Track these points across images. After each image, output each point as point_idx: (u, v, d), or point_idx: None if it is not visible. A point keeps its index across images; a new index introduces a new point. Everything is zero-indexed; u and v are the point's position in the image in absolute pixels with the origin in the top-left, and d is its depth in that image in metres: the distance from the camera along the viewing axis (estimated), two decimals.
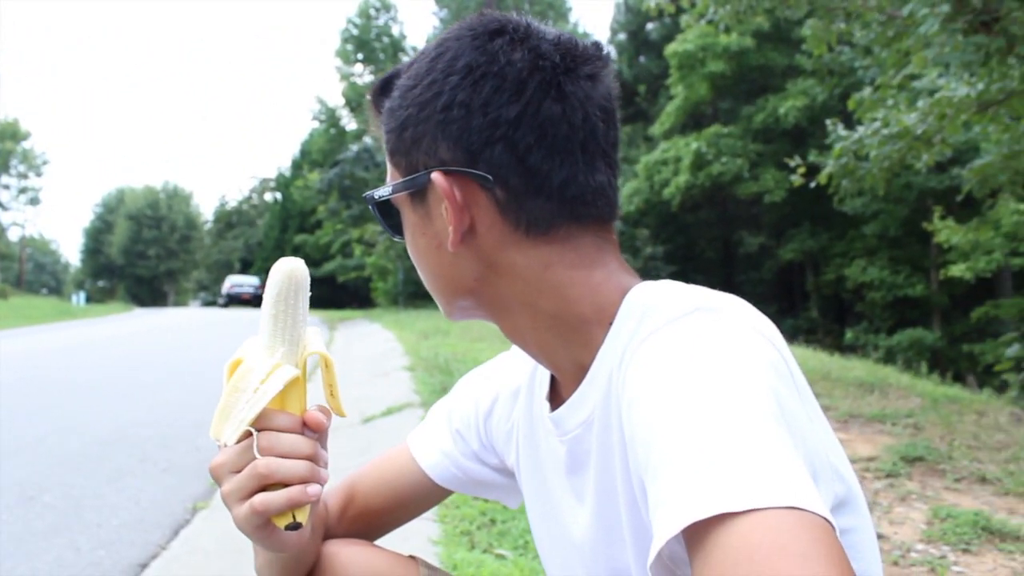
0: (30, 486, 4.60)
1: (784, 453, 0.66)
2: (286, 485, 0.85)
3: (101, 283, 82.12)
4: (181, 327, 23.00)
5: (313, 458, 0.87)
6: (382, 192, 0.99)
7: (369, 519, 1.25)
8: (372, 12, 48.76)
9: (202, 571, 3.28)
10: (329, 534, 1.21)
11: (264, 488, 0.85)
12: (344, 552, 1.15)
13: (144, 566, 3.39)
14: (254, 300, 44.93)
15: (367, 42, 48.20)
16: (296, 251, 46.02)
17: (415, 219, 0.98)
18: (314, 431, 0.89)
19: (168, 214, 77.96)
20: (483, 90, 0.89)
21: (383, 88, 1.01)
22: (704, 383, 0.73)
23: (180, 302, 79.17)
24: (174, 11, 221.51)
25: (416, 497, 1.26)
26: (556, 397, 1.07)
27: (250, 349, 0.90)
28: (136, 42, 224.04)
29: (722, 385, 0.72)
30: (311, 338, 0.93)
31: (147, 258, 76.34)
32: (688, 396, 0.72)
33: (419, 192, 0.95)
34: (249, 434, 0.85)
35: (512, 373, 1.21)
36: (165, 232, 77.19)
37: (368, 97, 1.04)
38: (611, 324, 0.94)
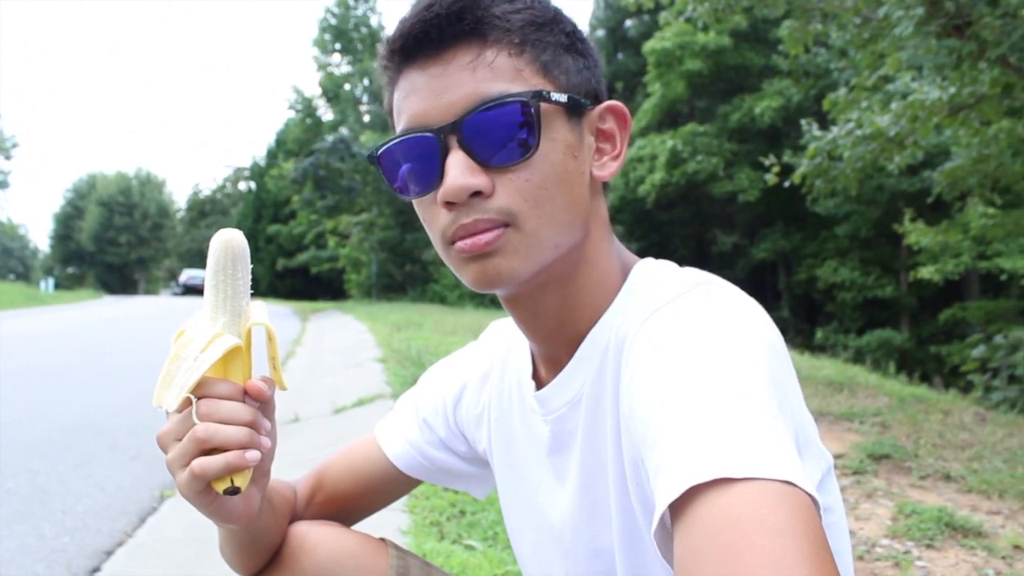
0: None
1: (779, 429, 0.68)
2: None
3: (71, 270, 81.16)
4: (151, 315, 22.79)
5: (253, 425, 0.87)
6: (558, 96, 0.89)
7: (337, 506, 1.25)
8: (351, 2, 48.49)
9: (168, 559, 3.25)
10: (297, 520, 1.21)
11: (204, 454, 0.85)
12: (313, 532, 1.15)
13: (109, 553, 3.35)
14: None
15: (345, 32, 47.95)
16: (269, 241, 45.84)
17: (571, 139, 0.92)
18: (255, 400, 0.89)
19: (140, 201, 77.21)
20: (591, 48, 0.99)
21: None
22: (705, 357, 0.74)
23: (151, 290, 78.48)
24: None
25: (384, 486, 1.26)
26: (538, 376, 1.07)
27: (191, 320, 0.90)
28: (112, 26, 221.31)
29: (722, 360, 0.73)
30: (254, 310, 0.92)
31: (118, 245, 75.56)
32: (689, 369, 0.73)
33: (578, 112, 0.93)
34: (190, 401, 0.85)
35: (480, 360, 1.22)
36: (137, 219, 76.43)
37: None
38: (612, 301, 0.96)
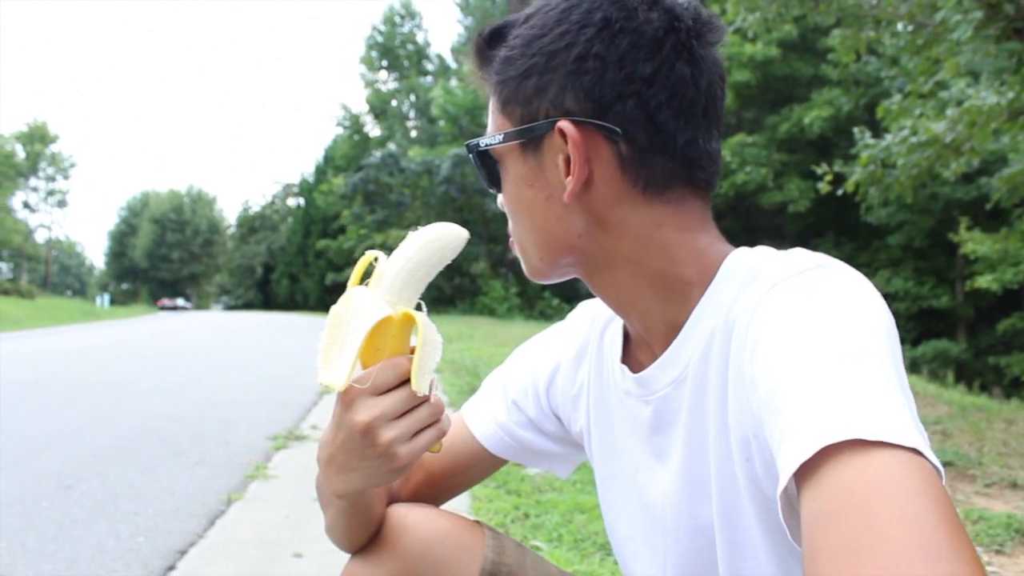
0: (66, 476, 4.67)
1: (904, 402, 0.69)
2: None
3: (125, 285, 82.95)
4: (203, 329, 23.20)
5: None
6: (490, 140, 0.98)
7: (431, 486, 1.28)
8: (397, 19, 49.11)
9: (239, 559, 3.33)
10: (394, 500, 1.24)
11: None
12: (412, 513, 1.18)
13: (183, 553, 3.44)
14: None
15: (391, 49, 48.55)
16: (319, 256, 46.43)
17: (524, 170, 0.97)
18: None
19: (192, 218, 78.73)
20: (620, 45, 0.90)
21: (492, 38, 1.01)
22: (832, 328, 0.76)
23: (202, 305, 79.77)
24: (200, 17, 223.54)
25: (472, 466, 1.29)
26: (629, 360, 1.09)
27: (389, 305, 0.91)
28: (162, 47, 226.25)
29: (849, 331, 0.75)
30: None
31: (170, 261, 77.10)
32: (817, 338, 0.75)
33: (533, 142, 0.96)
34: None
35: (572, 338, 1.23)
36: (188, 236, 77.93)
37: (473, 46, 1.03)
38: (710, 285, 0.97)
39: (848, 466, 0.62)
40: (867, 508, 0.59)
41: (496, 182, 1.02)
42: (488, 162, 1.01)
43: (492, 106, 1.00)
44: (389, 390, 0.91)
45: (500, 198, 1.05)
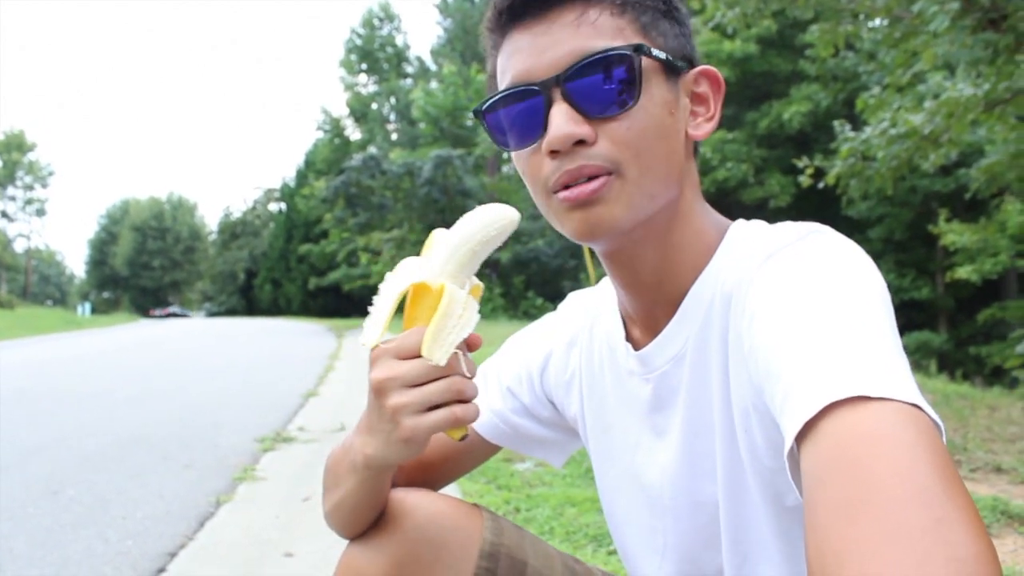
0: (54, 482, 4.64)
1: (902, 360, 0.71)
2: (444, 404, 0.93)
3: (106, 294, 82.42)
4: (187, 336, 23.07)
5: (473, 376, 0.95)
6: (659, 53, 0.94)
7: (425, 471, 1.29)
8: (376, 23, 49.03)
9: (230, 560, 3.32)
10: (392, 486, 1.25)
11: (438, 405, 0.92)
12: (411, 497, 1.18)
13: (173, 555, 3.42)
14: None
15: (371, 52, 48.45)
16: (301, 261, 46.30)
17: (668, 96, 0.96)
18: (473, 350, 0.96)
19: (173, 225, 78.27)
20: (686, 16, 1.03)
21: None
22: (828, 293, 0.77)
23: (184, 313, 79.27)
24: (178, 23, 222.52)
25: (467, 452, 1.30)
26: (630, 340, 1.10)
27: (431, 275, 0.93)
28: (141, 53, 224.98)
29: (846, 294, 0.77)
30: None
31: (151, 269, 76.64)
32: (814, 303, 0.77)
33: (675, 72, 0.97)
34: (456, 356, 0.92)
35: (564, 327, 1.25)
36: (169, 243, 77.49)
37: None
38: (713, 256, 0.99)
39: (844, 421, 0.63)
40: (862, 461, 0.60)
41: (633, 96, 0.92)
42: (633, 74, 0.92)
43: (619, 22, 0.94)
44: (412, 358, 0.91)
45: (576, 127, 0.91)
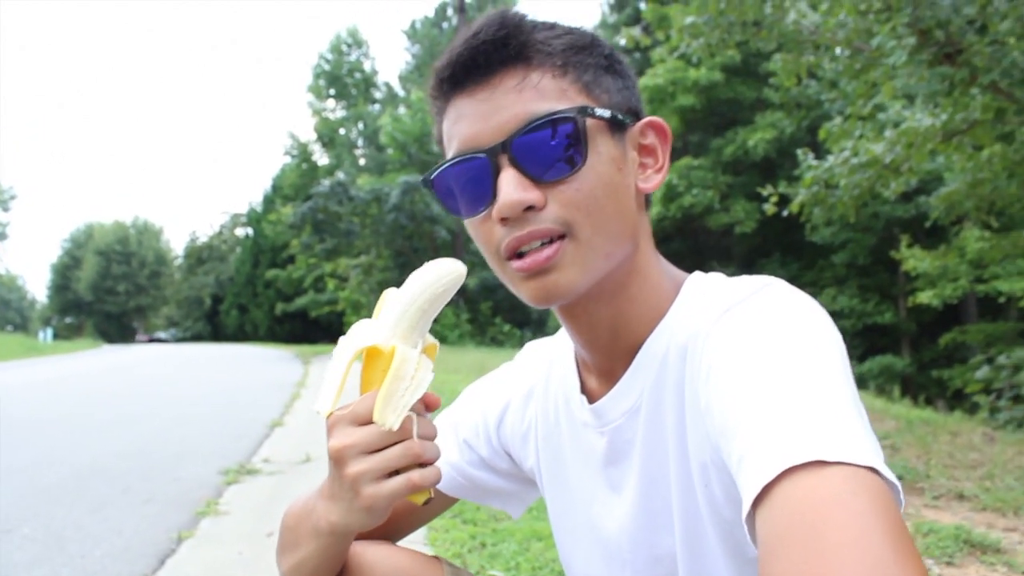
0: (8, 518, 4.53)
1: (860, 420, 0.71)
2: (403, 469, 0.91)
3: (68, 319, 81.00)
4: (152, 362, 22.74)
5: (435, 437, 0.94)
6: (602, 112, 0.94)
7: (385, 525, 1.25)
8: (344, 48, 49.06)
9: None
10: None
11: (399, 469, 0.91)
12: (370, 551, 1.17)
13: None
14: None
15: (339, 77, 48.44)
16: (268, 286, 45.90)
17: (615, 152, 0.96)
18: (430, 410, 0.95)
19: (138, 250, 77.24)
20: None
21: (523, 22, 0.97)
22: (785, 350, 0.77)
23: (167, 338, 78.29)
24: (144, 45, 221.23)
25: (426, 505, 1.28)
26: (585, 391, 1.09)
27: (382, 337, 0.92)
28: (106, 76, 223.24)
29: (803, 352, 0.77)
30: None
31: (116, 294, 75.47)
32: (771, 361, 0.77)
33: (621, 128, 0.97)
34: (409, 419, 0.91)
35: (521, 378, 1.24)
36: (135, 268, 76.42)
37: (506, 19, 0.95)
38: (668, 311, 0.99)
39: (799, 487, 0.63)
40: (816, 530, 0.60)
41: (580, 158, 0.92)
42: (579, 135, 0.92)
43: (561, 84, 0.94)
44: (369, 423, 0.90)
45: (525, 193, 0.91)
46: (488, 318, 28.79)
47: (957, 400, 15.99)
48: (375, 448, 0.90)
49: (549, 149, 0.91)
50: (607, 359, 1.03)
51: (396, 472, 0.90)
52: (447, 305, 0.97)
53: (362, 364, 0.93)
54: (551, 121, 0.91)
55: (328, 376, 0.92)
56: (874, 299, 23.80)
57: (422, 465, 0.91)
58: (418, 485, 0.90)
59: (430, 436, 0.93)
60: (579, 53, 0.96)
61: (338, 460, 0.91)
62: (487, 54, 0.93)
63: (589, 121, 0.93)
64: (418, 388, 0.90)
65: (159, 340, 68.65)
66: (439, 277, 0.92)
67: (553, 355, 1.20)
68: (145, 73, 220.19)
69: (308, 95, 49.34)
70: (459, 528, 3.80)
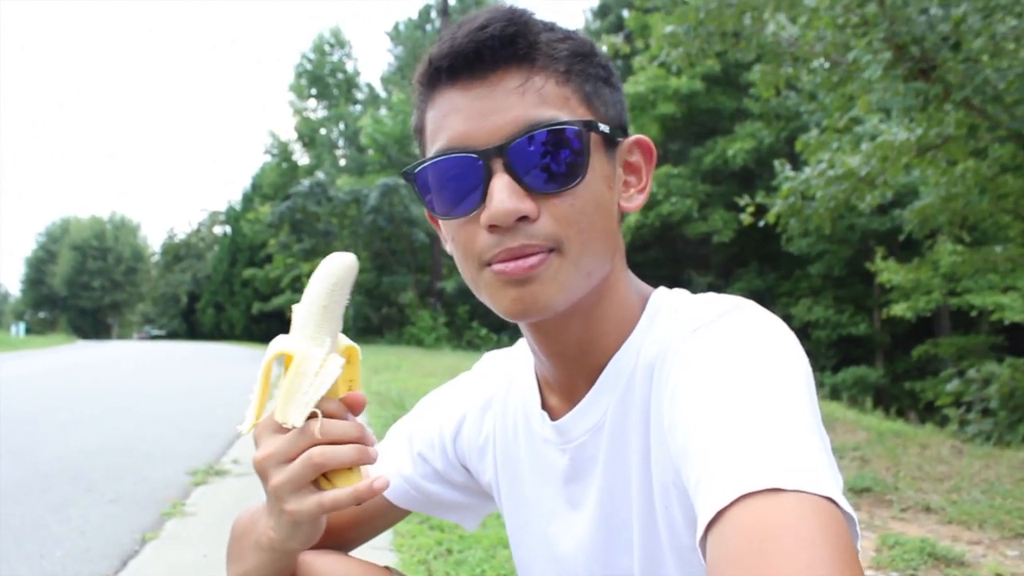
0: None
1: (821, 448, 0.70)
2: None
3: (42, 314, 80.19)
4: (124, 359, 22.52)
5: (361, 440, 0.88)
6: (604, 127, 0.91)
7: (333, 536, 1.23)
8: (327, 48, 48.91)
9: None
10: None
11: (317, 475, 0.87)
12: (320, 561, 1.14)
13: None
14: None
15: (321, 77, 48.28)
16: (245, 285, 45.63)
17: (607, 169, 0.94)
18: (356, 412, 0.91)
19: (114, 245, 76.66)
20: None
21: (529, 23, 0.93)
22: (749, 375, 0.76)
23: (124, 335, 77.59)
24: (125, 40, 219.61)
25: (375, 517, 1.25)
26: (546, 407, 1.07)
27: (291, 342, 0.90)
28: (86, 70, 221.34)
29: (766, 378, 0.76)
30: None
31: (91, 289, 74.83)
32: (734, 385, 0.75)
33: (612, 144, 0.95)
34: (315, 416, 0.87)
35: (479, 390, 1.22)
36: (111, 264, 75.82)
37: (512, 18, 0.91)
38: (635, 327, 0.98)
39: (752, 514, 0.62)
40: (763, 556, 0.59)
41: (581, 173, 0.89)
42: (582, 149, 0.89)
43: (563, 91, 0.91)
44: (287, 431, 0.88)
45: (520, 202, 0.87)
46: (465, 322, 28.76)
47: (929, 412, 16.14)
48: (292, 456, 0.87)
49: (548, 160, 0.87)
50: (570, 376, 1.01)
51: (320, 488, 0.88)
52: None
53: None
54: (554, 131, 0.87)
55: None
56: (849, 310, 24.01)
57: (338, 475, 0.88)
58: (326, 507, 0.86)
59: (349, 438, 0.88)
60: (581, 61, 0.93)
61: (261, 472, 0.89)
62: (493, 50, 0.88)
63: (592, 136, 0.90)
64: (322, 385, 0.87)
65: (155, 337, 68.22)
66: (330, 271, 0.90)
67: (513, 368, 1.17)
68: (126, 69, 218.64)
69: (290, 94, 49.20)
70: (425, 534, 3.78)
